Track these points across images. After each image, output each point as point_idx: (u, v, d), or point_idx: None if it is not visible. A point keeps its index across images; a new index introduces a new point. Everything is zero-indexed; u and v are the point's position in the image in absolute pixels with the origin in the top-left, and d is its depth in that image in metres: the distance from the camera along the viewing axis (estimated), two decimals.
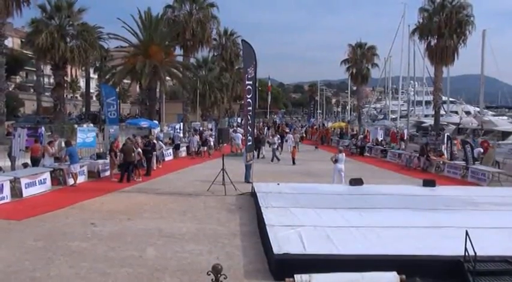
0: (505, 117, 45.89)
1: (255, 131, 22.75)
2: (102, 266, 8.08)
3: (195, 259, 8.60)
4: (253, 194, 14.43)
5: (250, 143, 15.77)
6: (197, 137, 29.98)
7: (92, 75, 59.53)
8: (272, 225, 9.57)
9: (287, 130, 45.52)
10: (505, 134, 32.65)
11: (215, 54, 53.63)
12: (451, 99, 54.91)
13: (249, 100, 14.88)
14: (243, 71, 15.26)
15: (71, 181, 16.30)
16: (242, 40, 14.83)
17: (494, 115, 46.90)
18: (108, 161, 18.84)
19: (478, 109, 44.75)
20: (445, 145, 24.68)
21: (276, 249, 7.92)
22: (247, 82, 14.75)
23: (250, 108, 15.10)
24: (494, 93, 78.37)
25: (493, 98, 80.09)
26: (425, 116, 52.50)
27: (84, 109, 60.00)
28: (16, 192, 13.98)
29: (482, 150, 22.93)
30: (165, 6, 38.90)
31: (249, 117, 15.23)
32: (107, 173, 18.68)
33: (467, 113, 52.10)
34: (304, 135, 45.81)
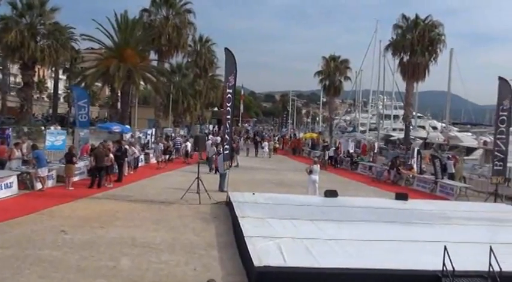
0: (470, 134, 47.43)
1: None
2: (75, 277, 7.76)
3: (172, 270, 8.39)
4: (228, 204, 14.30)
5: (227, 151, 15.64)
6: (162, 145, 27.36)
7: (60, 76, 57.97)
8: (250, 236, 9.46)
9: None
10: (469, 150, 33.64)
11: (189, 60, 53.32)
12: (418, 114, 56.39)
13: (228, 108, 14.81)
14: (225, 79, 15.14)
15: (38, 185, 15.69)
16: (225, 48, 14.73)
17: (459, 131, 48.41)
18: (80, 165, 18.28)
19: (444, 125, 46.05)
20: (415, 159, 25.19)
21: (256, 262, 7.81)
22: (228, 90, 14.68)
23: (229, 116, 15.02)
24: (458, 109, 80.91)
25: (456, 115, 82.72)
26: (393, 129, 53.70)
27: (51, 110, 58.30)
28: None
29: (452, 162, 23.49)
30: (141, 10, 38.49)
31: (227, 125, 15.15)
32: (76, 178, 18.07)
33: (434, 128, 53.65)
34: (278, 145, 46.11)
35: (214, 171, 22.96)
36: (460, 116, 79.70)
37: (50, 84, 68.88)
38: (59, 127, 34.06)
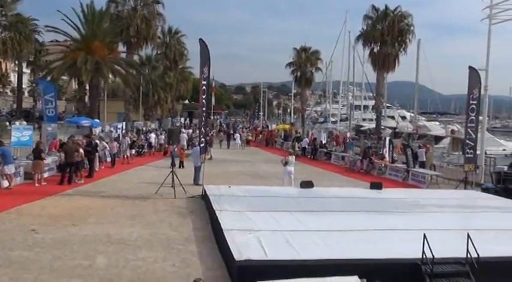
0: (437, 123, 48.72)
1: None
2: (49, 278, 7.45)
3: (150, 267, 8.17)
4: (204, 197, 14.13)
5: (203, 144, 15.40)
6: (128, 139, 25.79)
7: (24, 69, 55.94)
8: (229, 230, 9.30)
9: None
10: (437, 139, 34.51)
11: (159, 52, 52.34)
12: (387, 104, 57.41)
13: (203, 100, 14.56)
14: (200, 71, 14.85)
15: (5, 183, 15.06)
16: (199, 39, 14.44)
17: (427, 120, 49.61)
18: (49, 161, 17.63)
19: (412, 114, 47.08)
20: (387, 148, 25.56)
21: (237, 256, 7.67)
22: (203, 82, 14.42)
23: (204, 108, 14.79)
24: (425, 99, 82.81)
25: (423, 104, 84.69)
26: (363, 119, 54.54)
27: (15, 105, 56.27)
28: None
29: (424, 151, 23.87)
30: (108, 1, 37.35)
31: (203, 117, 14.92)
32: (46, 175, 17.43)
33: (403, 117, 54.77)
34: (251, 137, 46.17)
35: (178, 166, 22.45)
36: (427, 106, 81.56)
37: (13, 78, 66.40)
38: (24, 122, 32.88)
